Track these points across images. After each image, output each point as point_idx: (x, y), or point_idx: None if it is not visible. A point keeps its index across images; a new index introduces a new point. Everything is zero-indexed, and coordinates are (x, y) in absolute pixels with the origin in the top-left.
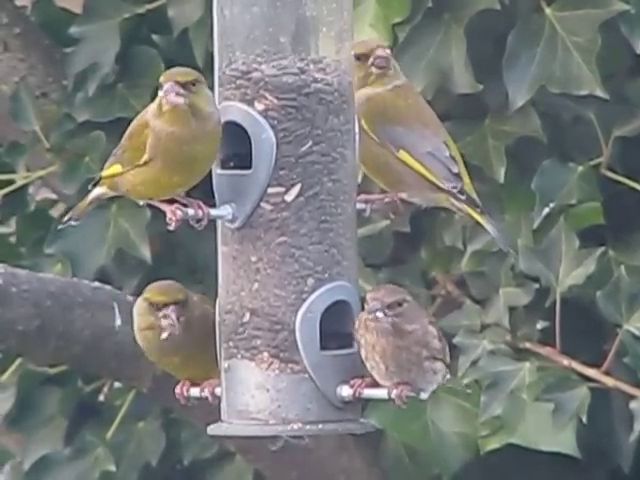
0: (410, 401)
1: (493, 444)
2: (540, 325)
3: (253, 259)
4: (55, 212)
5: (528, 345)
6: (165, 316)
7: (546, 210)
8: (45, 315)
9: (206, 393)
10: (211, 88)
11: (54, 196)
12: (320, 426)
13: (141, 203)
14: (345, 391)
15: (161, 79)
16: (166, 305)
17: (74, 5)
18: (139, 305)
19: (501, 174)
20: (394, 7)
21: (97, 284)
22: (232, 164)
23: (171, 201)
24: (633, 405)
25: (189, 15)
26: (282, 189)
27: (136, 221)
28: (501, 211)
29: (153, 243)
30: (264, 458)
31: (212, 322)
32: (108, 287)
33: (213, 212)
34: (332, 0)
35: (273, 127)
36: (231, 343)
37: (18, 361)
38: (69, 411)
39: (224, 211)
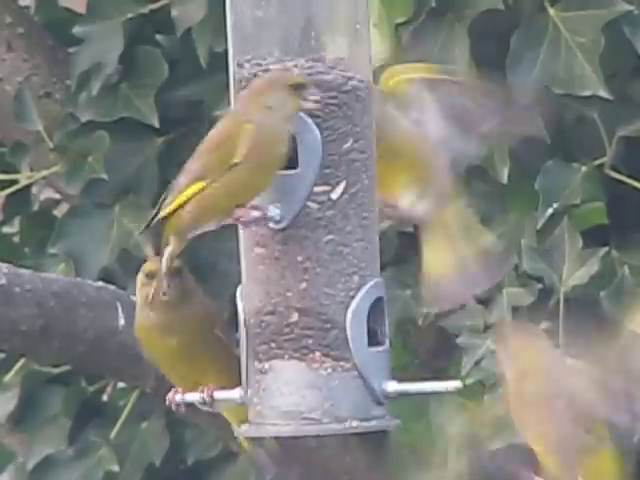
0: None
1: (496, 444)
2: (543, 325)
3: (300, 259)
4: (59, 212)
5: None
6: (159, 284)
7: (549, 210)
8: (48, 315)
9: (204, 396)
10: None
11: (58, 196)
12: (373, 422)
13: (213, 227)
14: (391, 387)
15: (298, 80)
16: (159, 272)
17: (78, 5)
18: (137, 284)
19: (504, 174)
20: (397, 7)
21: (101, 284)
22: None
23: None
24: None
25: (193, 15)
26: (328, 187)
27: (140, 221)
28: (504, 211)
29: (156, 243)
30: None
31: (213, 321)
32: (112, 287)
33: (268, 213)
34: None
35: (318, 125)
36: (273, 344)
37: (21, 361)
38: (73, 411)
39: (272, 212)
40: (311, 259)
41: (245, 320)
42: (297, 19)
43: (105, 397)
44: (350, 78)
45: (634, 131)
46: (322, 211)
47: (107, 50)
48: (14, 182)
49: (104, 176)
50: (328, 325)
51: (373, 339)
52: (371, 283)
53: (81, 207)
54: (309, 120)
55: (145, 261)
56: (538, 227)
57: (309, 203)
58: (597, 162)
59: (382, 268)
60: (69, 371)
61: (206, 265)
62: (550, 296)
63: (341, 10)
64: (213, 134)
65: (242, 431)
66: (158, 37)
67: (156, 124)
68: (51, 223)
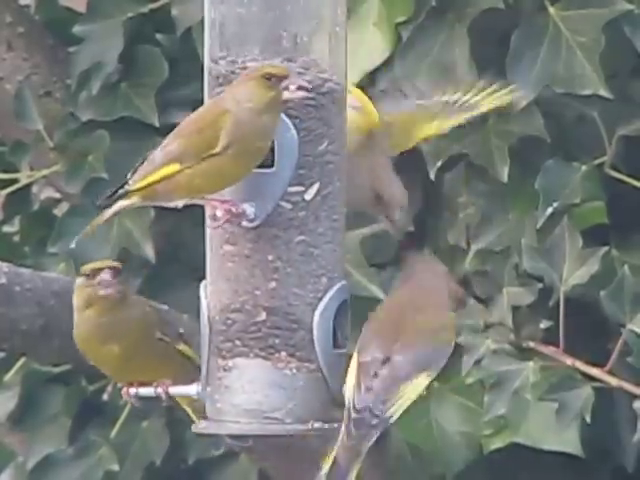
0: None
1: (497, 443)
2: (544, 324)
3: (270, 258)
4: (59, 211)
5: (532, 344)
6: (101, 279)
7: (550, 209)
8: (49, 314)
9: (159, 392)
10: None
11: (58, 195)
12: (335, 425)
13: (179, 205)
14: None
15: (270, 70)
16: (101, 270)
17: (78, 4)
18: (76, 287)
19: (504, 174)
20: (398, 6)
21: None
22: None
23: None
24: (637, 405)
25: (193, 14)
26: (302, 188)
27: (140, 220)
28: (504, 211)
29: (157, 242)
30: (268, 457)
31: (153, 323)
32: None
33: (244, 210)
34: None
35: (295, 126)
36: (238, 342)
37: (22, 360)
38: (73, 410)
39: (247, 210)
40: (282, 259)
41: (209, 317)
42: (276, 19)
43: (105, 396)
44: (327, 80)
45: (634, 130)
46: (295, 211)
47: (107, 49)
48: (14, 181)
49: (104, 175)
50: (295, 325)
51: (335, 341)
52: (338, 285)
53: (81, 206)
54: (287, 120)
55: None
56: (538, 226)
57: (282, 203)
58: (597, 161)
59: (382, 268)
60: (69, 370)
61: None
62: (550, 295)
63: (320, 12)
64: (194, 117)
65: (200, 427)
66: (158, 36)
67: (156, 123)
68: (51, 222)
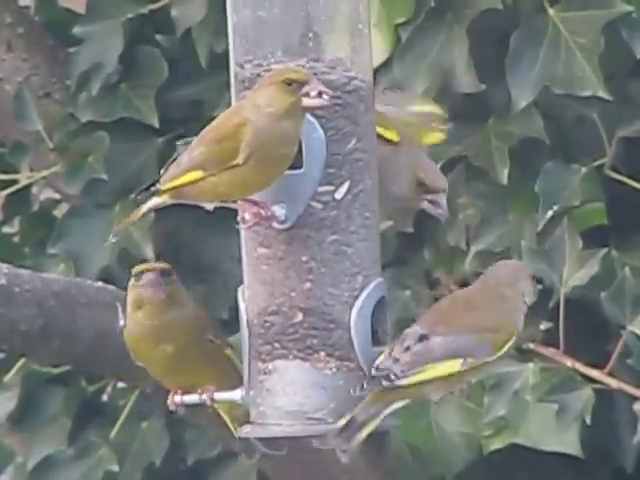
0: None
1: (496, 444)
2: (544, 326)
3: (304, 259)
4: (58, 212)
5: (532, 346)
6: (146, 280)
7: (550, 211)
8: (48, 315)
9: (205, 398)
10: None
11: (57, 196)
12: (379, 421)
13: (209, 207)
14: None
15: (291, 75)
16: (149, 271)
17: (77, 5)
18: (128, 291)
19: (504, 175)
20: (397, 7)
21: (100, 284)
22: None
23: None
24: (637, 406)
25: (192, 15)
26: (332, 187)
27: (140, 222)
28: (504, 212)
29: (157, 243)
30: (268, 458)
31: (204, 325)
32: (111, 287)
33: (274, 213)
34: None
35: (322, 125)
36: (277, 344)
37: (21, 361)
38: (73, 411)
39: (278, 212)
40: (315, 259)
41: (248, 321)
42: (298, 19)
43: (105, 397)
44: (352, 78)
45: (634, 131)
46: (326, 211)
47: (107, 50)
48: (14, 182)
49: (104, 176)
50: (332, 325)
51: (375, 339)
52: (374, 283)
53: (81, 207)
54: (313, 120)
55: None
56: (538, 228)
57: (313, 203)
58: (597, 163)
59: (382, 268)
60: (69, 371)
61: (207, 266)
62: (550, 297)
63: (342, 10)
64: (215, 125)
65: (245, 431)
66: (158, 37)
67: (156, 124)
68: (51, 223)
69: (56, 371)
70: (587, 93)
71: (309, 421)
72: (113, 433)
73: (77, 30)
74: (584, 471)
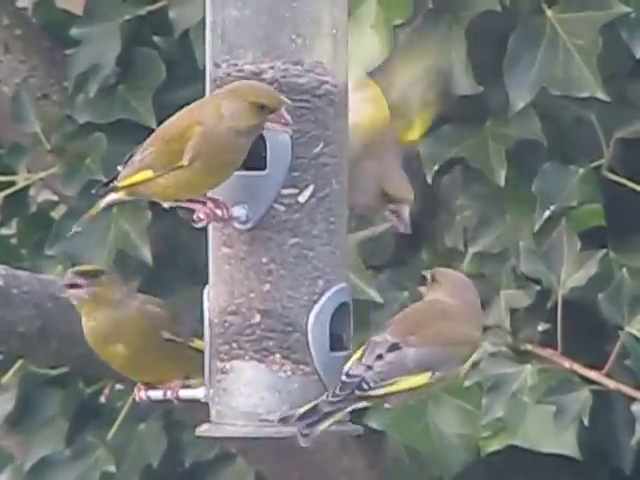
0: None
1: (494, 446)
2: (541, 327)
3: (264, 260)
4: (56, 214)
5: (529, 347)
6: (66, 281)
7: (547, 212)
8: (46, 316)
9: (169, 395)
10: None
11: (55, 198)
12: (334, 427)
13: (166, 205)
14: None
15: (265, 101)
16: (73, 273)
17: (75, 7)
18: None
19: (502, 177)
20: (395, 8)
21: None
22: (245, 165)
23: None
24: (634, 407)
25: (190, 16)
26: (296, 190)
27: (137, 223)
28: (502, 214)
29: (154, 244)
30: (265, 460)
31: (158, 323)
32: None
33: (232, 213)
34: (328, 2)
35: None
36: (235, 345)
37: (19, 363)
38: (70, 412)
39: (239, 212)
40: (275, 261)
41: (210, 320)
42: (274, 22)
43: (102, 399)
44: (324, 82)
45: (631, 133)
46: (288, 214)
47: (104, 52)
48: (12, 184)
49: (102, 178)
50: (290, 328)
51: (338, 344)
52: (336, 288)
53: (78, 209)
54: None
55: None
56: (536, 229)
57: (276, 205)
58: (594, 164)
59: (379, 270)
60: (67, 373)
61: (204, 268)
62: (548, 298)
63: (320, 14)
64: (167, 124)
65: (202, 430)
66: (155, 39)
67: (154, 126)
68: (48, 225)
69: (54, 373)
70: (585, 94)
71: (262, 423)
72: (110, 434)
73: (75, 32)
74: (582, 472)
